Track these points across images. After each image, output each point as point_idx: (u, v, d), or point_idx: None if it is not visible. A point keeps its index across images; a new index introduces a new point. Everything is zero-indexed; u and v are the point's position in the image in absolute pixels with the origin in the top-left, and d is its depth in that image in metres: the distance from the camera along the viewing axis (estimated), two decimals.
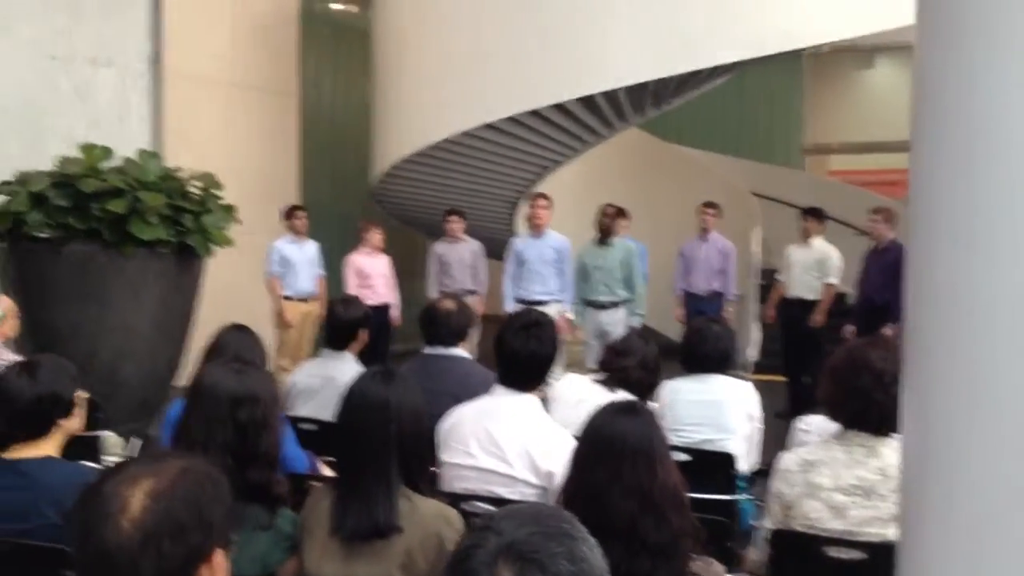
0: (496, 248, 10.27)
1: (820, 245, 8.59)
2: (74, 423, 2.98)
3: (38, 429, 2.88)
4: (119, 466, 1.48)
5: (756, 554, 3.10)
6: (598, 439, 2.26)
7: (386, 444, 2.43)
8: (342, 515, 2.39)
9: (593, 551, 1.31)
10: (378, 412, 2.45)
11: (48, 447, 2.90)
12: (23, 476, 2.78)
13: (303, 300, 8.82)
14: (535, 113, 9.18)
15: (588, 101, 9.15)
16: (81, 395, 3.02)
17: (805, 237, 8.64)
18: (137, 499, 1.38)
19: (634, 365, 4.01)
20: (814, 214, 8.70)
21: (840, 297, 8.91)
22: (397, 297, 9.43)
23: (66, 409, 2.94)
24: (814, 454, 2.86)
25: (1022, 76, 1.40)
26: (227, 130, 10.07)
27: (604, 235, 8.11)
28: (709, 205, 9.07)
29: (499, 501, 2.91)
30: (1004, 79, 1.42)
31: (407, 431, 2.47)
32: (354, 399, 2.54)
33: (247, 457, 2.39)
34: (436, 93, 9.65)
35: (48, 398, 2.88)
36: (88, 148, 7.22)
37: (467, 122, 9.37)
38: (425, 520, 2.40)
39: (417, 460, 2.51)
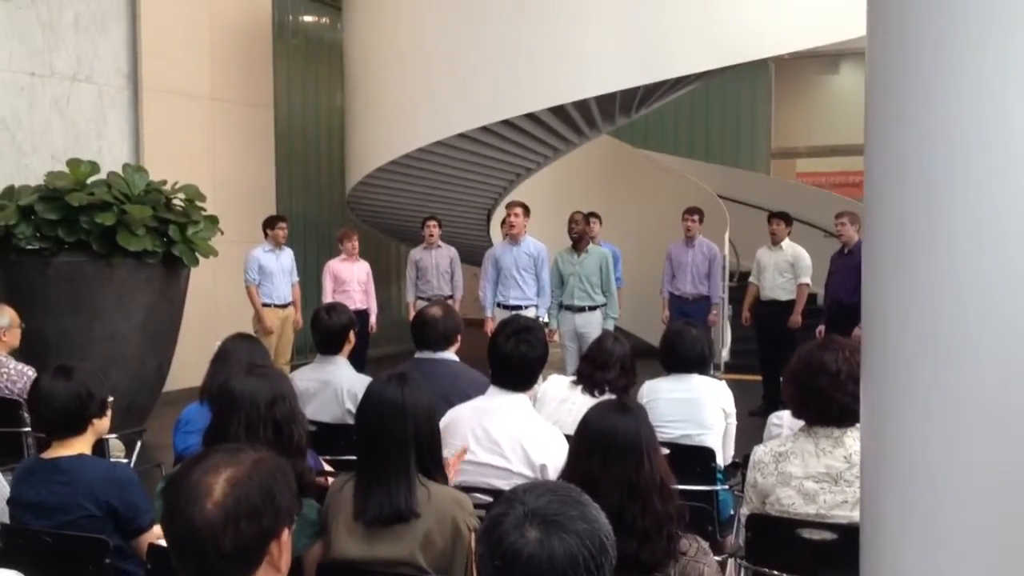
0: (471, 254, 10.46)
1: (790, 247, 8.84)
2: (105, 423, 3.18)
3: (75, 426, 3.09)
4: (202, 456, 1.69)
5: (735, 540, 3.31)
6: (592, 433, 2.47)
7: (404, 439, 2.67)
8: (364, 502, 2.63)
9: (599, 514, 1.57)
10: (396, 411, 2.70)
11: (82, 445, 3.10)
12: (63, 473, 3.00)
13: (281, 307, 8.98)
14: (507, 123, 9.37)
15: (559, 110, 9.35)
16: (110, 399, 3.21)
17: (775, 241, 8.87)
18: (219, 485, 1.60)
19: (615, 376, 4.22)
20: (782, 217, 8.94)
21: (811, 297, 9.16)
22: (374, 304, 9.60)
23: (100, 408, 3.14)
24: (785, 446, 3.08)
25: (971, 84, 1.56)
26: (204, 143, 10.20)
27: (577, 242, 8.31)
28: (692, 211, 9.14)
29: (496, 493, 3.12)
30: (955, 86, 1.58)
31: (422, 428, 2.72)
32: (373, 400, 2.77)
33: (284, 451, 2.59)
34: (408, 103, 9.82)
35: (84, 396, 3.09)
36: (74, 163, 7.38)
37: (440, 132, 9.55)
38: (441, 505, 2.64)
39: (431, 453, 2.76)
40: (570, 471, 2.49)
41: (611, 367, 4.22)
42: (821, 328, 8.28)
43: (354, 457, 2.86)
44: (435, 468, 2.76)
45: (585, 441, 2.48)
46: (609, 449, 2.41)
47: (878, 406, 1.78)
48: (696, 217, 9.07)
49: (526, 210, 8.39)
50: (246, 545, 1.59)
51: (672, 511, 2.38)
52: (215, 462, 1.64)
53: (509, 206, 8.47)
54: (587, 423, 2.51)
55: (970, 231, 1.59)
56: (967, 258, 1.59)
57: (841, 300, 8.28)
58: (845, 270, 8.29)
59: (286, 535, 1.64)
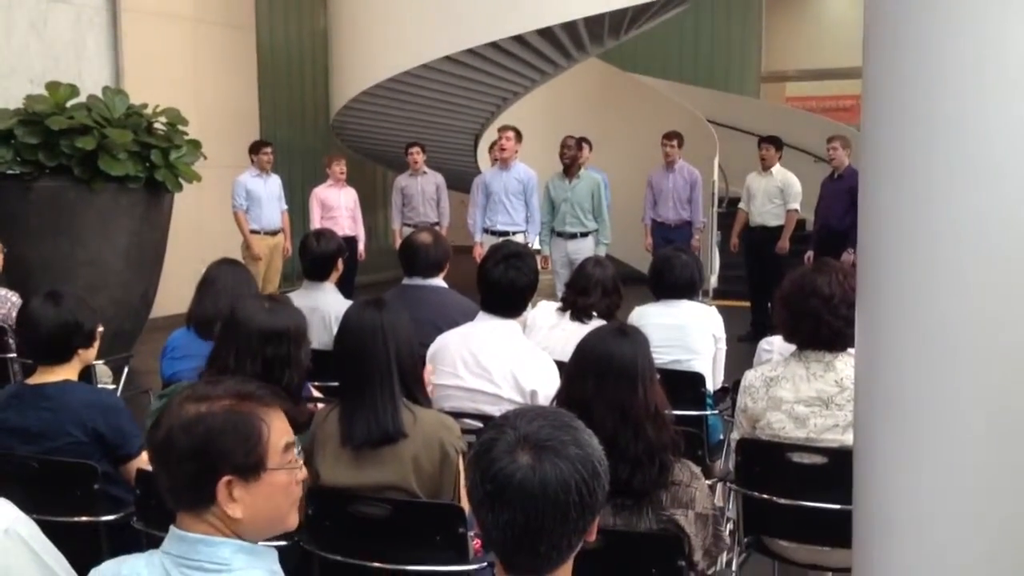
0: (458, 180, 10.38)
1: (780, 173, 8.75)
2: (92, 353, 3.14)
3: (59, 355, 3.05)
4: (203, 383, 1.75)
5: (725, 464, 3.32)
6: (588, 356, 2.45)
7: (385, 361, 2.65)
8: (350, 427, 2.62)
9: (592, 439, 1.55)
10: (376, 334, 2.68)
11: (67, 372, 3.07)
12: (48, 399, 2.97)
13: (270, 233, 8.90)
14: (494, 45, 9.22)
15: (547, 32, 9.20)
16: (99, 329, 3.17)
17: (765, 166, 8.79)
18: (177, 416, 1.65)
19: (597, 300, 4.18)
20: (772, 142, 8.84)
21: (800, 223, 9.12)
22: (362, 231, 9.54)
23: (87, 338, 3.09)
24: (775, 371, 3.07)
25: (971, 11, 1.55)
26: (185, 65, 10.00)
27: (569, 167, 8.23)
28: (670, 136, 8.99)
29: (486, 418, 3.11)
30: (956, 6, 1.55)
31: (402, 350, 2.70)
32: (352, 324, 2.75)
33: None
34: (394, 26, 9.64)
35: (71, 326, 3.05)
36: (53, 86, 7.24)
37: (425, 55, 9.40)
38: (427, 427, 2.64)
39: (413, 376, 2.75)
40: (564, 394, 2.48)
41: (592, 291, 4.18)
42: (810, 253, 8.29)
43: None
44: (418, 391, 2.75)
45: (580, 364, 2.46)
46: (604, 373, 2.39)
47: (873, 330, 1.77)
48: (675, 142, 8.93)
49: (518, 135, 8.27)
50: (179, 481, 1.64)
51: (666, 440, 2.38)
52: (199, 393, 1.68)
53: (501, 130, 8.36)
54: (585, 346, 2.49)
55: (969, 155, 1.58)
56: (966, 184, 1.58)
57: (831, 225, 8.28)
58: (835, 194, 8.26)
59: (227, 485, 1.63)
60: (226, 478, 1.62)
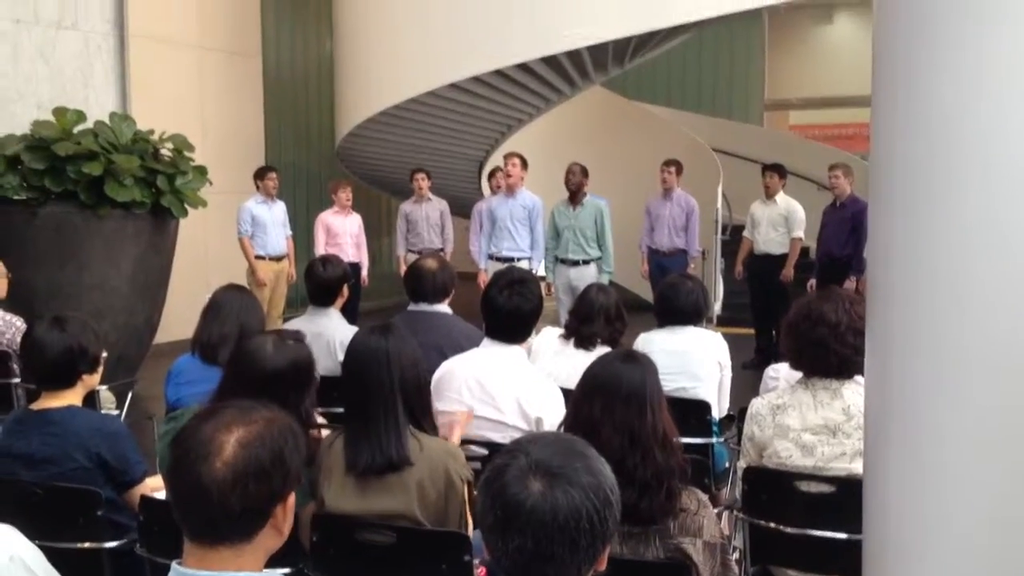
0: (462, 207, 10.39)
1: (784, 200, 8.75)
2: (96, 378, 3.14)
3: (64, 380, 3.04)
4: (211, 412, 1.66)
5: (731, 492, 3.30)
6: (596, 380, 2.45)
7: (390, 388, 2.65)
8: (355, 454, 2.61)
9: (604, 467, 1.54)
10: (381, 361, 2.67)
11: (72, 397, 3.06)
12: (53, 425, 2.97)
13: (275, 259, 8.92)
14: (499, 73, 9.25)
15: (551, 60, 9.23)
16: (103, 354, 3.17)
17: (769, 194, 8.78)
18: (230, 444, 1.57)
19: (601, 327, 4.17)
20: (776, 170, 8.84)
21: (804, 251, 9.11)
22: (366, 257, 9.54)
23: (92, 364, 3.09)
24: (782, 398, 3.05)
25: (979, 36, 1.54)
26: (192, 92, 10.06)
27: (575, 194, 8.24)
28: (669, 163, 8.98)
29: (491, 445, 3.10)
30: (963, 38, 1.55)
31: (408, 377, 2.70)
32: (358, 351, 2.73)
33: None
34: (399, 53, 9.68)
35: (76, 351, 3.04)
36: (60, 112, 7.28)
37: (431, 82, 9.42)
38: (432, 455, 2.63)
39: (419, 403, 2.74)
40: (572, 418, 2.47)
41: (595, 318, 4.16)
42: (812, 282, 8.28)
43: None
44: (424, 419, 2.74)
45: (588, 388, 2.45)
46: (612, 396, 2.39)
47: (883, 357, 1.76)
48: (672, 169, 8.90)
49: (523, 161, 8.29)
50: (253, 506, 1.57)
51: (674, 465, 2.36)
52: (227, 419, 1.61)
53: (507, 157, 8.40)
54: (593, 370, 2.49)
55: (979, 180, 1.57)
56: (976, 210, 1.57)
57: (832, 252, 8.27)
58: (837, 223, 8.25)
59: (291, 499, 1.63)
60: (292, 494, 1.62)
